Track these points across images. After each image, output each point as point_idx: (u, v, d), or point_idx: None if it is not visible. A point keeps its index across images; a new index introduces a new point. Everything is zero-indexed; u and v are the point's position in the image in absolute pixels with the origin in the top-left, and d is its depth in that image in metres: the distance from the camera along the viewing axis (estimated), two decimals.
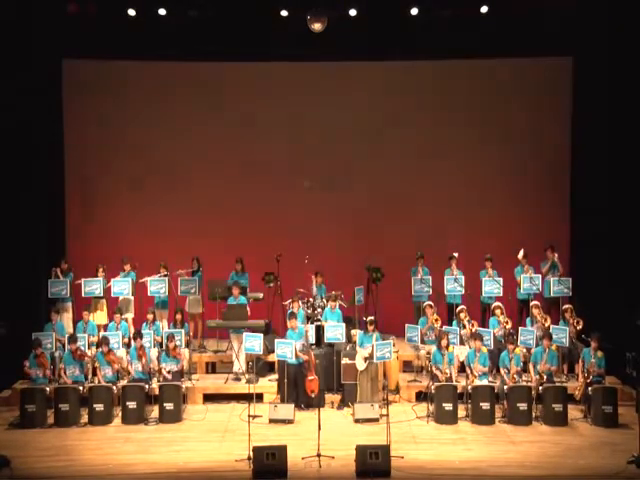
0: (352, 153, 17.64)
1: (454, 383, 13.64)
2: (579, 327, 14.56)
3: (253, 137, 17.58)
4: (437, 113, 17.50)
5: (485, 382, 13.75)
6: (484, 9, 15.85)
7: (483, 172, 17.59)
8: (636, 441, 11.74)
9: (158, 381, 14.10)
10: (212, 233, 17.27)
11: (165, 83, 17.37)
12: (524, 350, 14.27)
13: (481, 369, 13.77)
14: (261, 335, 14.09)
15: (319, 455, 11.71)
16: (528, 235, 16.74)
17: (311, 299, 15.71)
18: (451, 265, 15.87)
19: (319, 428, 11.94)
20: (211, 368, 15.71)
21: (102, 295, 15.60)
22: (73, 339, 14.08)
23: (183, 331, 14.85)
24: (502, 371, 13.85)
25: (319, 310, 15.50)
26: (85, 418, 13.60)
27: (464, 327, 14.84)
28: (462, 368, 14.14)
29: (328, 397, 14.44)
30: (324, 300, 15.54)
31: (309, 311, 15.46)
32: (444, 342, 13.83)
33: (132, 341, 14.34)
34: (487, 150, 17.55)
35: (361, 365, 14.03)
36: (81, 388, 13.71)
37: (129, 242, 17.13)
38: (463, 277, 15.72)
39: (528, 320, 15.13)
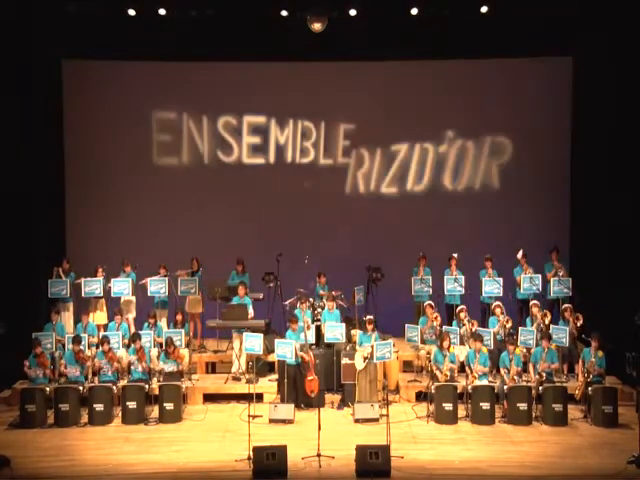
0: (352, 152, 17.65)
1: (455, 383, 13.65)
2: (579, 323, 14.51)
3: (253, 136, 17.59)
4: (437, 113, 17.50)
5: (485, 382, 13.75)
6: (484, 9, 15.86)
7: (483, 172, 17.60)
8: (636, 441, 11.74)
9: (158, 381, 14.10)
10: (212, 233, 17.28)
11: (165, 83, 17.37)
12: (524, 350, 14.27)
13: (481, 369, 13.77)
14: (261, 335, 14.10)
15: (319, 455, 11.71)
16: (528, 235, 16.76)
17: (311, 299, 15.71)
18: (450, 265, 15.88)
19: (319, 428, 11.94)
20: (211, 368, 15.71)
21: (102, 295, 15.60)
22: (77, 340, 14.06)
23: (183, 331, 14.84)
24: (502, 371, 13.85)
25: (319, 310, 15.50)
26: (85, 418, 13.60)
27: (464, 327, 14.84)
28: (462, 368, 14.14)
29: (328, 397, 14.44)
30: (324, 300, 15.54)
31: (309, 311, 15.44)
32: (446, 343, 13.83)
33: (132, 343, 14.32)
34: (486, 150, 17.56)
35: (360, 365, 14.03)
36: (81, 388, 13.71)
37: (129, 242, 17.14)
38: (463, 277, 15.73)
39: (528, 320, 15.12)
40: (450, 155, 17.66)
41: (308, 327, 14.34)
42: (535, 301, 15.16)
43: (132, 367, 14.05)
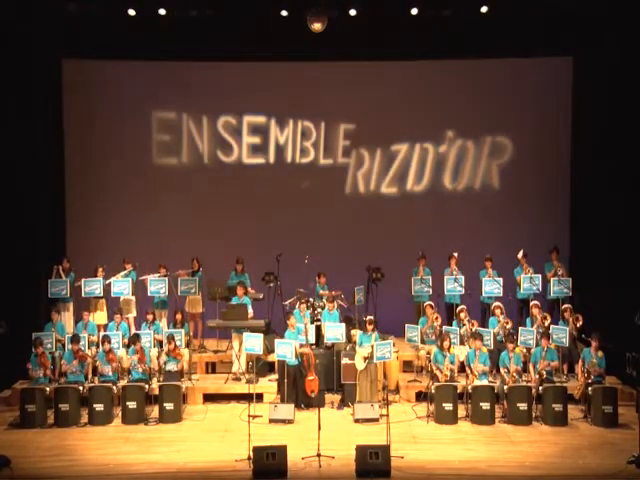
0: (352, 152, 17.66)
1: (455, 383, 13.65)
2: (579, 324, 14.52)
3: (253, 136, 17.60)
4: (437, 113, 17.50)
5: (485, 382, 13.75)
6: (484, 9, 15.86)
7: (483, 172, 17.61)
8: (636, 441, 11.75)
9: (158, 381, 14.10)
10: (212, 233, 17.28)
11: (165, 83, 17.37)
12: (524, 350, 14.28)
13: (482, 367, 13.76)
14: (261, 335, 14.10)
15: (319, 455, 11.71)
16: (528, 235, 16.76)
17: (311, 299, 15.71)
18: (450, 264, 15.88)
19: (319, 428, 11.94)
20: (211, 368, 15.71)
21: (102, 295, 15.60)
22: (75, 339, 14.09)
23: (183, 331, 14.84)
24: (502, 371, 13.85)
25: (319, 310, 15.51)
26: (85, 418, 13.60)
27: (464, 327, 14.85)
28: (462, 368, 14.14)
29: (328, 397, 14.44)
30: (324, 300, 15.55)
31: (309, 311, 15.45)
32: (446, 343, 13.82)
33: (132, 343, 14.32)
34: (486, 150, 17.58)
35: (360, 365, 14.03)
36: (81, 388, 13.71)
37: (129, 242, 17.12)
38: (463, 277, 15.72)
39: (528, 320, 15.12)
40: (450, 155, 17.66)
41: (307, 331, 14.32)
42: (535, 301, 15.16)
43: (132, 369, 14.04)
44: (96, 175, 17.44)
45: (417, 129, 17.58)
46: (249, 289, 15.72)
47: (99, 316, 15.70)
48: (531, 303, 15.16)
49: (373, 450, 11.36)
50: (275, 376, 14.73)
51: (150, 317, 15.10)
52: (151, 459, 11.98)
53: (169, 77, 17.34)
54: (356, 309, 15.62)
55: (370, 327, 14.18)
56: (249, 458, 11.52)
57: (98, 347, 14.53)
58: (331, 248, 17.09)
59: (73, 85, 17.22)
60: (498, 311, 14.88)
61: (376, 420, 13.36)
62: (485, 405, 13.38)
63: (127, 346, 14.53)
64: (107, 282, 15.56)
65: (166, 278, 15.71)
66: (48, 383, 13.91)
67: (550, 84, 17.16)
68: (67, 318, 15.71)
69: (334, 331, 14.55)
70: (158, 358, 14.30)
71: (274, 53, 16.67)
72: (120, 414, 13.64)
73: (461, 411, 13.60)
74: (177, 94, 17.41)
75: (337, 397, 14.46)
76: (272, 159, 17.77)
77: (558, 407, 13.34)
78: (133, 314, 15.91)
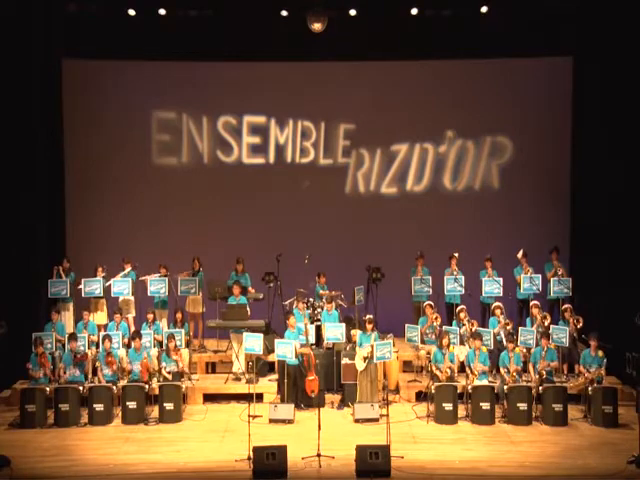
0: (352, 152, 17.66)
1: (455, 383, 13.65)
2: (579, 325, 14.53)
3: (253, 136, 17.61)
4: (437, 113, 17.50)
5: (485, 382, 13.75)
6: (484, 9, 15.87)
7: (483, 172, 17.61)
8: (636, 441, 11.75)
9: (158, 381, 14.10)
10: (212, 233, 17.28)
11: (165, 83, 17.37)
12: (524, 350, 14.28)
13: (482, 367, 13.76)
14: (261, 335, 14.10)
15: (319, 455, 11.71)
16: (528, 235, 16.75)
17: (311, 299, 15.71)
18: (451, 264, 15.88)
19: (319, 428, 11.94)
20: (211, 368, 15.71)
21: (102, 295, 15.60)
22: (73, 337, 14.10)
23: (183, 331, 14.84)
24: (502, 371, 13.85)
25: (319, 310, 15.51)
26: (85, 418, 13.59)
27: (464, 327, 14.85)
28: (462, 368, 14.14)
29: (328, 397, 14.44)
30: (324, 300, 15.55)
31: (309, 311, 15.46)
32: (445, 341, 13.83)
33: (132, 341, 14.32)
34: (486, 150, 17.57)
35: (360, 365, 14.03)
36: (81, 388, 13.71)
37: (129, 242, 17.12)
38: (463, 277, 15.72)
39: (528, 320, 15.12)
40: (450, 155, 17.66)
41: (307, 332, 14.32)
42: (535, 301, 15.16)
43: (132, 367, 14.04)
44: (96, 175, 17.44)
45: (417, 129, 17.58)
46: (249, 289, 15.73)
47: (99, 316, 15.71)
48: (531, 303, 15.16)
49: (373, 450, 11.36)
50: (275, 376, 14.73)
51: (150, 317, 15.11)
52: (151, 459, 11.98)
53: (169, 77, 17.34)
54: (356, 309, 15.62)
55: (369, 327, 14.18)
56: (249, 458, 11.52)
57: (98, 347, 14.53)
58: (331, 248, 17.09)
59: (73, 85, 17.22)
60: (498, 311, 14.88)
61: (376, 420, 13.36)
62: (485, 405, 13.38)
63: (127, 345, 14.53)
64: (107, 284, 15.58)
65: (166, 278, 15.72)
66: (48, 383, 13.90)
67: (550, 84, 17.16)
68: (67, 318, 15.71)
69: (334, 331, 14.55)
70: (158, 358, 14.29)
71: (274, 53, 16.67)
72: (120, 414, 13.64)
73: (461, 411, 13.60)
74: (177, 94, 17.41)
75: (337, 397, 14.46)
76: (272, 159, 17.77)
77: (558, 407, 13.33)
78: (132, 314, 15.92)
